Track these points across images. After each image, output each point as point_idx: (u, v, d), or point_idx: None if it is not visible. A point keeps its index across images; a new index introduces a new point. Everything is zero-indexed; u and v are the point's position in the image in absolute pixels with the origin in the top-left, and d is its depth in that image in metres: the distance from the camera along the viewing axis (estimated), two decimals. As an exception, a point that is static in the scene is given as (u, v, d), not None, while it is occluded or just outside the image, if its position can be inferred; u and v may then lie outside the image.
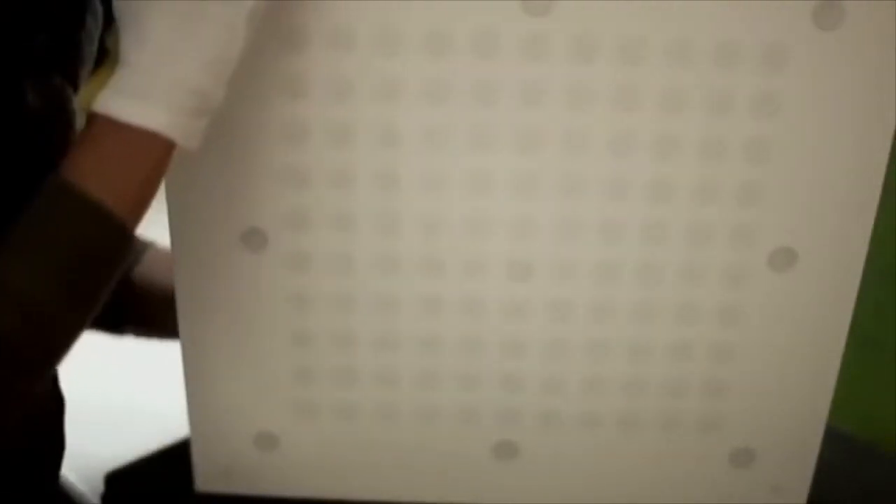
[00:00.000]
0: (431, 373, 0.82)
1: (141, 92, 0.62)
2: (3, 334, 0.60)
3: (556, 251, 0.78)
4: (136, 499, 0.90)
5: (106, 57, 0.82)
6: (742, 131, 0.73)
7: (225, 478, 0.86)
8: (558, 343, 0.81)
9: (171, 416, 0.92)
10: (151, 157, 0.64)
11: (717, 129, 0.73)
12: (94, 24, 0.76)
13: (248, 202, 0.76)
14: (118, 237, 0.64)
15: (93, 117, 0.63)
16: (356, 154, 0.74)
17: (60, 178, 0.63)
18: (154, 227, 0.81)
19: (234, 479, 0.86)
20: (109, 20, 0.78)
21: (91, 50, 0.75)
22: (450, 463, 0.85)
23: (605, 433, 0.84)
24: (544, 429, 0.84)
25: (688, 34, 0.70)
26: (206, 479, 0.86)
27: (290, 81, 0.72)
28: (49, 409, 0.81)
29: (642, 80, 0.72)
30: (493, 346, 0.81)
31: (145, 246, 0.94)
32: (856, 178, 0.74)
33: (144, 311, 0.91)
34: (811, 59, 0.71)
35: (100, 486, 0.90)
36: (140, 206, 0.65)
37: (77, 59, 0.74)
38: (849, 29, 0.70)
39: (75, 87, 0.74)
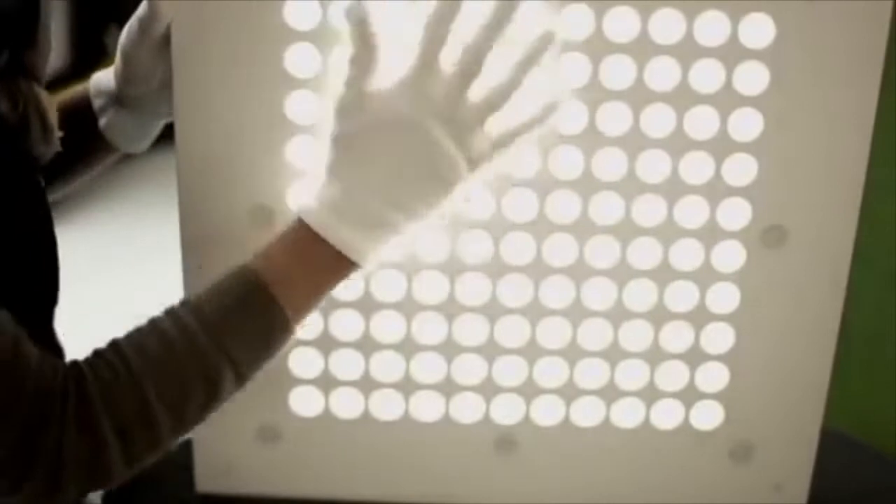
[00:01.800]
0: (434, 373, 0.82)
1: (349, 218, 0.67)
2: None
3: (568, 252, 0.78)
4: (137, 495, 0.90)
5: (104, 56, 0.81)
6: (732, 111, 0.75)
7: (226, 478, 0.86)
8: (565, 343, 0.81)
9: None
10: (336, 275, 0.69)
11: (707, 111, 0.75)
12: (47, 13, 0.75)
13: (256, 179, 0.76)
14: (286, 340, 0.71)
15: (298, 221, 0.68)
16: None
17: (255, 272, 0.68)
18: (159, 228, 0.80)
19: (235, 480, 0.86)
20: (108, 19, 0.78)
21: (47, 36, 0.76)
22: (452, 462, 0.85)
23: (605, 432, 0.84)
24: (544, 428, 0.84)
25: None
26: (206, 479, 0.86)
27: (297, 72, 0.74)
28: None
29: (641, 75, 0.74)
30: (503, 349, 0.81)
31: None
32: (843, 154, 0.76)
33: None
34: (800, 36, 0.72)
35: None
36: (308, 314, 0.71)
37: (36, 56, 0.74)
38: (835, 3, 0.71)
39: (39, 81, 0.75)
